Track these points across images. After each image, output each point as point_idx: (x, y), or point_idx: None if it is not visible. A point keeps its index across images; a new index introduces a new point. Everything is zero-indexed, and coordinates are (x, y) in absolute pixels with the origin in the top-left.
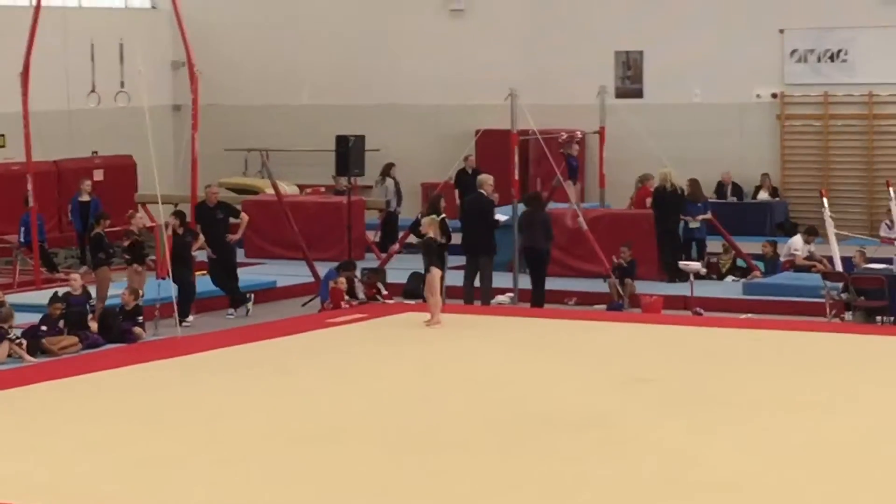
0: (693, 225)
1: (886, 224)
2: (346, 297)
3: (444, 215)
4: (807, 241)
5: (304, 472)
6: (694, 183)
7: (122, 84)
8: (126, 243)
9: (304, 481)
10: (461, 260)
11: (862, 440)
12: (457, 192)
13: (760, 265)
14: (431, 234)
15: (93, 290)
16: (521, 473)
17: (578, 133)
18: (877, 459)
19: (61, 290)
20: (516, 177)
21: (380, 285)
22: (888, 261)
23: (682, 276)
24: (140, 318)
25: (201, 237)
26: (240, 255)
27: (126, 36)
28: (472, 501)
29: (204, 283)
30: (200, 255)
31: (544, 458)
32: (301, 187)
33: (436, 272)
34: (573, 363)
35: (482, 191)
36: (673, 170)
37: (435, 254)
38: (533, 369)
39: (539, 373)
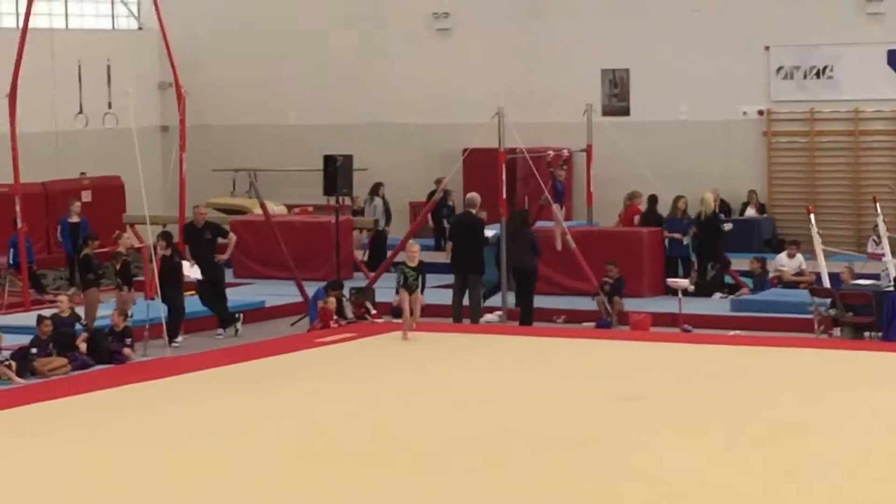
0: (686, 241)
1: (874, 240)
2: (335, 317)
3: None
4: (790, 255)
5: (295, 492)
6: (680, 199)
7: (110, 105)
8: (117, 265)
9: (294, 501)
10: (450, 278)
11: (852, 457)
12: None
13: (749, 282)
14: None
15: (81, 312)
16: (509, 492)
17: (565, 151)
18: (867, 475)
19: (48, 312)
20: (504, 195)
21: (368, 304)
22: (876, 276)
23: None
24: (129, 340)
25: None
26: (228, 275)
27: (113, 57)
28: None
29: (193, 303)
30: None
31: (533, 476)
32: (289, 207)
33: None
34: (562, 381)
35: (471, 209)
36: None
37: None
38: (522, 387)
39: (528, 391)
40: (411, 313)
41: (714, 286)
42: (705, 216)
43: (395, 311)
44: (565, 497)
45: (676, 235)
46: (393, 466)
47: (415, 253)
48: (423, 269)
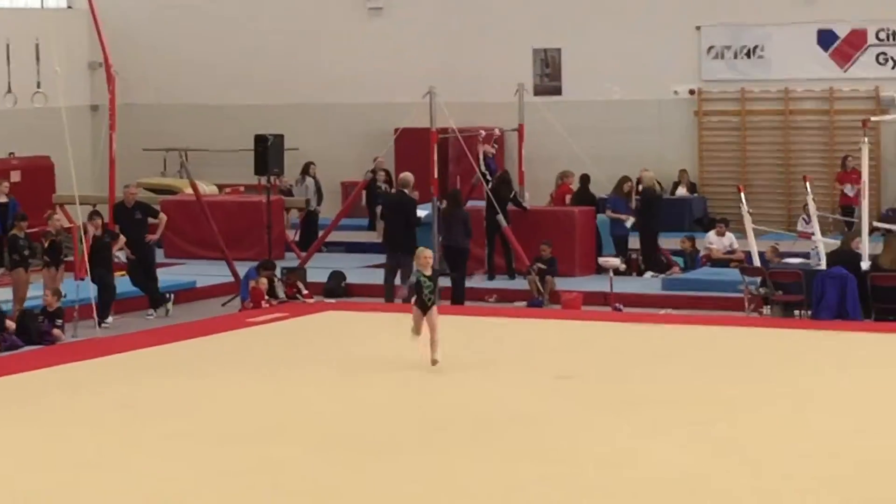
0: (629, 223)
1: (804, 218)
2: (267, 297)
3: None
4: (719, 234)
5: (227, 473)
6: (626, 182)
7: (39, 84)
8: (46, 244)
9: (225, 482)
10: (382, 258)
11: (782, 433)
12: (364, 193)
13: (680, 261)
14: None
15: (9, 292)
16: (444, 472)
17: (497, 131)
18: (799, 449)
19: None
20: (435, 175)
21: (300, 284)
22: (805, 255)
23: (661, 266)
24: (60, 321)
25: (122, 238)
26: (159, 255)
27: (42, 36)
28: (399, 502)
29: (123, 283)
30: (119, 256)
31: (467, 456)
32: (220, 187)
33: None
34: (494, 360)
35: (403, 189)
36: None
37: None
38: (454, 367)
39: (460, 370)
40: (431, 342)
41: (653, 264)
42: (642, 193)
43: (328, 292)
44: (501, 476)
45: (622, 217)
46: (326, 448)
47: (428, 259)
48: (438, 277)
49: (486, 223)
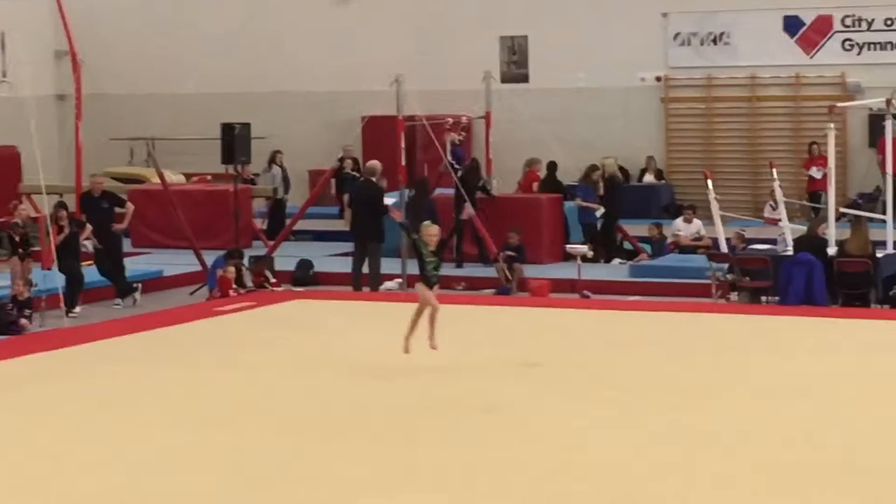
0: (599, 213)
1: (770, 205)
2: (234, 286)
3: None
4: (687, 220)
5: (196, 460)
6: (595, 170)
7: (4, 74)
8: (15, 235)
9: (195, 469)
10: (350, 246)
11: (750, 419)
12: (333, 181)
13: (647, 248)
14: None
15: None
16: (416, 459)
17: (464, 119)
18: (766, 438)
19: None
20: (403, 163)
21: (268, 273)
22: (772, 241)
23: (625, 254)
24: (29, 310)
25: (88, 227)
26: (126, 244)
27: (8, 25)
28: (367, 487)
29: (91, 273)
30: (87, 246)
31: (439, 443)
32: (187, 176)
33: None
34: (462, 348)
35: (371, 177)
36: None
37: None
38: (422, 355)
39: (428, 358)
40: (431, 322)
41: (615, 251)
42: (605, 181)
43: (296, 280)
44: (469, 464)
45: (592, 206)
46: (294, 436)
47: (433, 236)
48: (442, 252)
49: (455, 212)
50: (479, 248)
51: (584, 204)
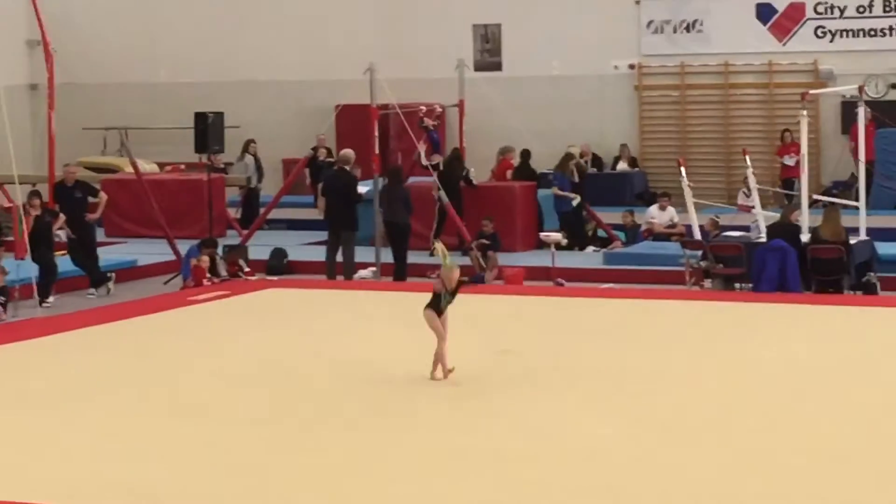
0: (576, 202)
1: (744, 192)
2: (208, 275)
3: None
4: (661, 208)
5: (170, 449)
6: (571, 159)
7: None
8: None
9: (169, 458)
10: (324, 235)
11: (723, 407)
12: (307, 170)
13: (621, 235)
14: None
15: None
16: (389, 445)
17: (437, 107)
18: (739, 425)
19: None
20: (377, 151)
21: (242, 262)
22: (746, 228)
23: (598, 243)
24: (3, 298)
25: (61, 217)
26: (99, 234)
27: None
28: (340, 473)
29: (64, 263)
30: (60, 235)
31: (412, 430)
32: (161, 165)
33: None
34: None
35: (345, 166)
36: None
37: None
38: (396, 343)
39: (403, 346)
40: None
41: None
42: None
43: (270, 269)
44: (444, 450)
45: (570, 195)
46: (271, 424)
47: (453, 280)
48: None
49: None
50: (458, 238)
51: (561, 193)
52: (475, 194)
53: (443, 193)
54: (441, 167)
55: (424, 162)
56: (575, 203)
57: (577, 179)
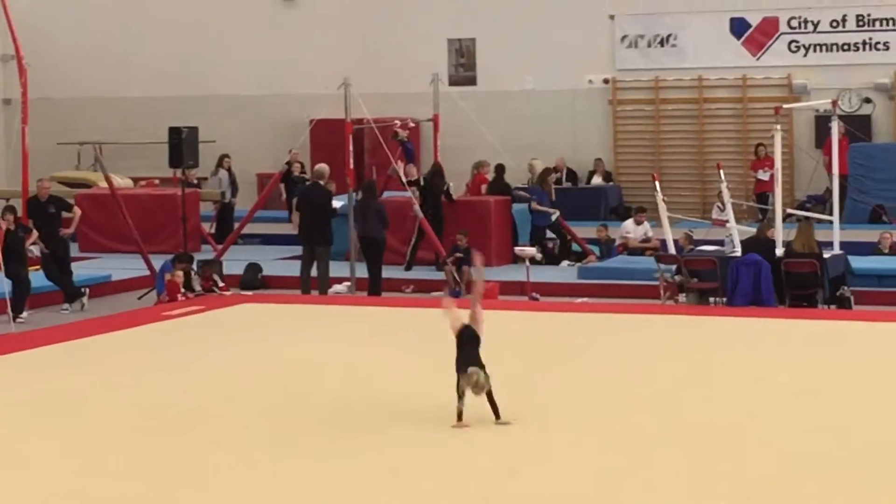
0: (554, 217)
1: (718, 206)
2: (183, 290)
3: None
4: (637, 222)
5: (143, 465)
6: (550, 174)
7: None
8: None
9: (141, 474)
10: (298, 250)
11: (696, 423)
12: (282, 185)
13: (596, 249)
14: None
15: None
16: (363, 463)
17: (410, 121)
18: (710, 441)
19: None
20: (351, 166)
21: (216, 277)
22: (720, 242)
23: (573, 257)
24: None
25: (35, 232)
26: (73, 249)
27: None
28: (315, 491)
29: (38, 278)
30: (33, 251)
31: (386, 447)
32: (135, 180)
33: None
34: (411, 351)
35: (319, 181)
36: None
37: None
38: (371, 358)
39: (377, 362)
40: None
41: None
42: (532, 183)
43: (244, 284)
44: (416, 466)
45: (549, 210)
46: (243, 441)
47: (481, 390)
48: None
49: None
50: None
51: (540, 208)
52: (451, 209)
53: (419, 209)
54: (422, 182)
55: (404, 179)
56: (554, 217)
57: (554, 197)
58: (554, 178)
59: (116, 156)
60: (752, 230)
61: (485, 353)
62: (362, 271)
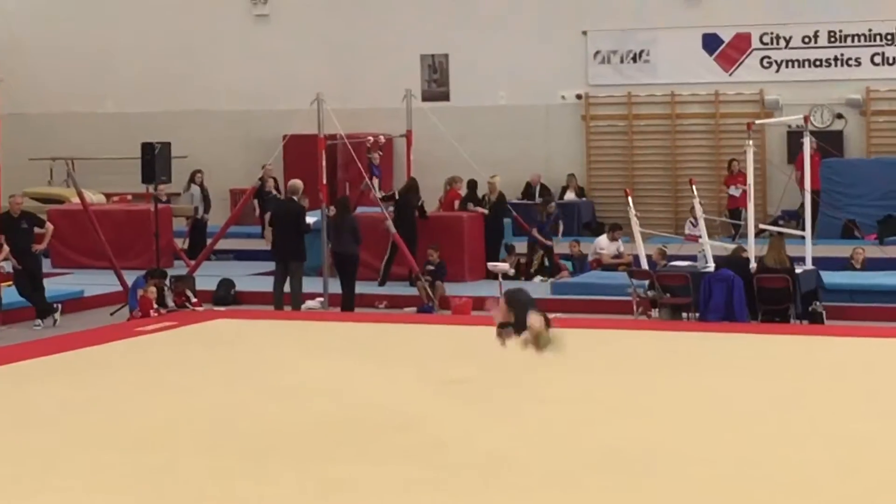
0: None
1: (691, 221)
2: (156, 306)
3: None
4: (612, 239)
5: (115, 481)
6: (549, 201)
7: None
8: None
9: (114, 490)
10: (271, 265)
11: (670, 437)
12: (256, 201)
13: (569, 265)
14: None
15: None
16: (337, 478)
17: (381, 138)
18: (686, 456)
19: None
20: (324, 181)
21: (189, 293)
22: (693, 258)
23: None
24: None
25: (6, 248)
26: (45, 264)
27: None
28: None
29: (10, 293)
30: (5, 266)
31: (360, 462)
32: (108, 195)
33: None
34: (385, 366)
35: (292, 196)
36: None
37: None
38: (344, 373)
39: (351, 377)
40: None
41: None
42: (490, 202)
43: (217, 300)
44: (394, 482)
45: (547, 242)
46: (215, 456)
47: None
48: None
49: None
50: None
51: (538, 237)
52: (424, 224)
53: (391, 224)
54: (397, 196)
55: (379, 195)
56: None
57: (544, 219)
58: (553, 206)
59: (89, 171)
60: (724, 244)
61: (458, 366)
62: (336, 287)
